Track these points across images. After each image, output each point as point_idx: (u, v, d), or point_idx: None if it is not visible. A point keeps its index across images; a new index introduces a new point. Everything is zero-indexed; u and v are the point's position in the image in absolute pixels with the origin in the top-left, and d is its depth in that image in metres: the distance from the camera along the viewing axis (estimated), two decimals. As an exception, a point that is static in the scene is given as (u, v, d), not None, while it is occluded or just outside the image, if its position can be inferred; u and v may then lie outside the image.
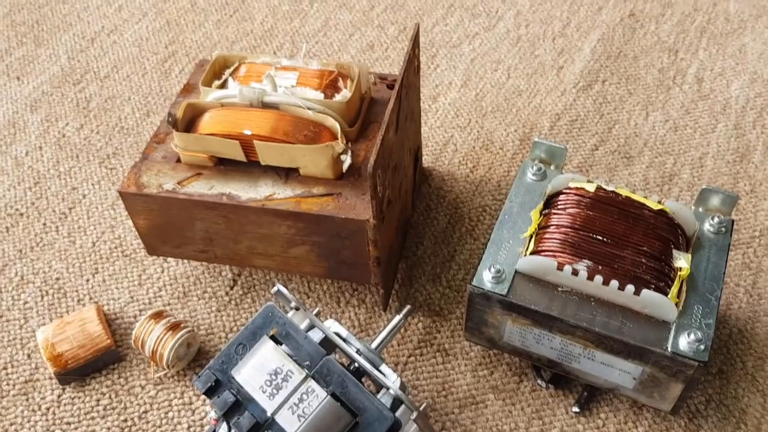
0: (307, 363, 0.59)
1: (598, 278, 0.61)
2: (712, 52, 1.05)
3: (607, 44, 1.06)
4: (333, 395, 0.56)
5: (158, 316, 0.73)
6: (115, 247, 0.84)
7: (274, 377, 0.57)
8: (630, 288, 0.60)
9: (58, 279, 0.82)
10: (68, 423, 0.70)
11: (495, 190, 0.87)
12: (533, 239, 0.66)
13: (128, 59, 1.09)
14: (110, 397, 0.72)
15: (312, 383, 0.57)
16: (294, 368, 0.57)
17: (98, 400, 0.72)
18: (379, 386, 0.60)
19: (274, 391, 0.57)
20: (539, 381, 0.71)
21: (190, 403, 0.71)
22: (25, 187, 0.92)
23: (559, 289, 0.63)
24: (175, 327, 0.72)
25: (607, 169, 0.90)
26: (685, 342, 0.58)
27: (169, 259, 0.82)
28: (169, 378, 0.73)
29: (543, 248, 0.64)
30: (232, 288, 0.80)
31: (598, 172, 0.89)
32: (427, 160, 0.91)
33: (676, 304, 0.61)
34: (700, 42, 1.07)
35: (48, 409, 0.71)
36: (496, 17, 1.13)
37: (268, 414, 0.56)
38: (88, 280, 0.81)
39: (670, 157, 0.91)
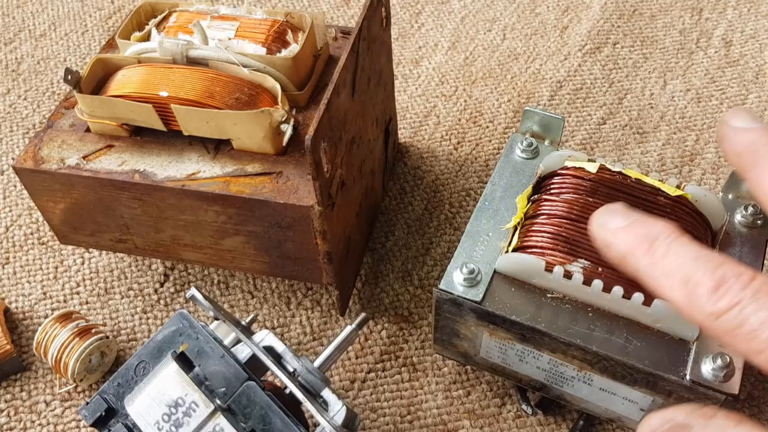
0: (223, 389, 0.46)
1: (597, 283, 0.47)
2: (742, 11, 0.90)
3: (620, 1, 0.91)
4: (250, 434, 0.44)
5: (66, 318, 0.61)
6: (32, 233, 0.71)
7: (174, 410, 0.44)
8: (638, 297, 0.46)
9: (-39, 270, 0.69)
10: (-46, 446, 0.58)
11: (482, 170, 0.73)
12: (518, 232, 0.53)
13: (68, 15, 0.95)
14: (8, 414, 0.60)
15: (221, 419, 0.44)
16: (199, 399, 0.44)
17: (-7, 419, 0.60)
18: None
19: (173, 428, 0.44)
20: (524, 405, 0.58)
21: (101, 425, 0.58)
22: (-62, 161, 0.79)
23: (549, 295, 0.50)
24: (84, 332, 0.60)
25: (617, 146, 0.76)
26: (708, 368, 0.46)
27: (91, 248, 0.69)
28: (79, 393, 0.60)
29: (529, 243, 0.51)
30: (162, 285, 0.67)
31: (606, 150, 0.75)
32: (404, 135, 0.77)
33: (699, 319, 0.47)
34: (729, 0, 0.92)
35: (-67, 428, 0.59)
36: (492, -30, 0.97)
37: (164, 458, 0.43)
38: (-4, 272, 0.69)
39: (691, 134, 0.77)
